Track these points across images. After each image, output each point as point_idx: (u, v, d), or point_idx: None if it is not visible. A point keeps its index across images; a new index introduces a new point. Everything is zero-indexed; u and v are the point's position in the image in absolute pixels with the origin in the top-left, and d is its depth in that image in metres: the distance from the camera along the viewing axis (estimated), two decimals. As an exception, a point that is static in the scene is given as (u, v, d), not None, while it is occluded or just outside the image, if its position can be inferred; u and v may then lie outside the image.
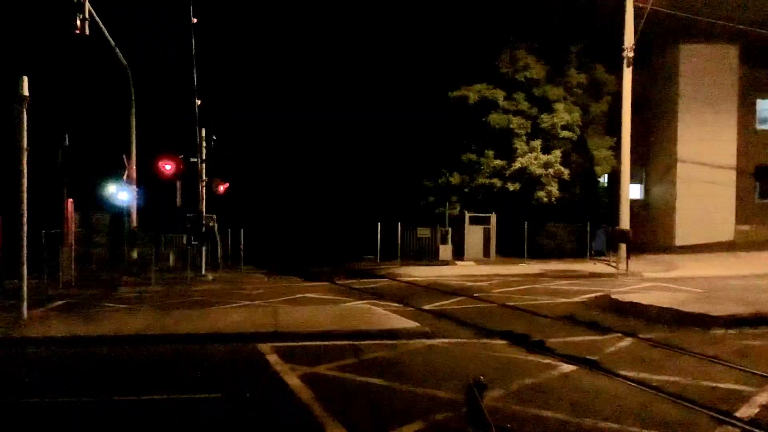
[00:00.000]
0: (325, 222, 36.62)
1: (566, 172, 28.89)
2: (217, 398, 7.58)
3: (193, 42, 20.09)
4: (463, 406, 6.11)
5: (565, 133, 29.25)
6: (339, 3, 37.07)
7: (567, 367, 8.66)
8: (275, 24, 38.47)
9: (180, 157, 23.09)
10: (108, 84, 26.60)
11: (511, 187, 29.11)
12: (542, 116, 29.25)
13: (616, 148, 27.02)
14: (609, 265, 25.47)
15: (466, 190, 30.47)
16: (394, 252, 28.61)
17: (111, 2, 21.00)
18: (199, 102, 21.35)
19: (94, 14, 19.49)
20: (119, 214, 25.28)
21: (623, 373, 8.23)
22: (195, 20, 20.53)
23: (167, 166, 22.31)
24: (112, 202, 25.24)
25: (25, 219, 12.49)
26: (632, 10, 23.79)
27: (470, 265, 26.76)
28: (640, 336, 10.71)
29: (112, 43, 21.66)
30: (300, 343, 10.49)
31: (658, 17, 24.34)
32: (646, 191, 35.63)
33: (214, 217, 25.54)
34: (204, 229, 24.16)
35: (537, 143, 29.08)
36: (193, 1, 20.98)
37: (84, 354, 10.18)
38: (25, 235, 12.51)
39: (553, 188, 28.80)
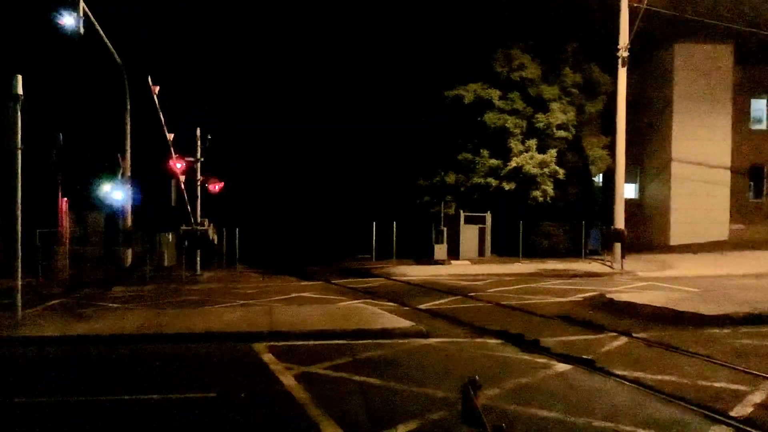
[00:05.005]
0: (320, 221, 36.55)
1: (561, 171, 28.92)
2: (213, 398, 7.57)
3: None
4: (458, 405, 6.13)
5: (561, 133, 29.30)
6: (335, 2, 37.04)
7: (562, 367, 8.68)
8: (271, 22, 38.41)
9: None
10: (102, 83, 26.52)
11: (506, 186, 29.13)
12: (537, 116, 29.29)
13: (611, 148, 27.07)
14: (604, 264, 25.55)
15: (461, 189, 30.49)
16: (390, 251, 28.60)
17: (107, 1, 20.95)
18: (157, 89, 21.07)
19: (89, 13, 19.43)
20: (114, 213, 25.23)
21: (618, 372, 8.25)
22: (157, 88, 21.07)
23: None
24: (107, 202, 25.18)
25: (19, 218, 12.43)
26: (627, 10, 23.85)
27: (465, 265, 26.78)
28: (635, 335, 10.74)
29: (107, 41, 21.59)
30: (295, 343, 10.49)
31: (653, 17, 24.42)
32: (641, 191, 35.73)
33: (208, 221, 25.45)
34: (198, 233, 24.14)
35: (532, 143, 29.11)
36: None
37: (78, 353, 10.16)
38: (19, 234, 12.45)
39: (549, 188, 28.83)
